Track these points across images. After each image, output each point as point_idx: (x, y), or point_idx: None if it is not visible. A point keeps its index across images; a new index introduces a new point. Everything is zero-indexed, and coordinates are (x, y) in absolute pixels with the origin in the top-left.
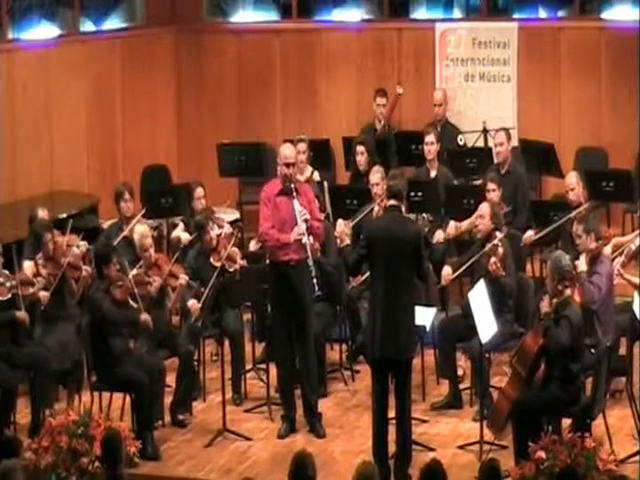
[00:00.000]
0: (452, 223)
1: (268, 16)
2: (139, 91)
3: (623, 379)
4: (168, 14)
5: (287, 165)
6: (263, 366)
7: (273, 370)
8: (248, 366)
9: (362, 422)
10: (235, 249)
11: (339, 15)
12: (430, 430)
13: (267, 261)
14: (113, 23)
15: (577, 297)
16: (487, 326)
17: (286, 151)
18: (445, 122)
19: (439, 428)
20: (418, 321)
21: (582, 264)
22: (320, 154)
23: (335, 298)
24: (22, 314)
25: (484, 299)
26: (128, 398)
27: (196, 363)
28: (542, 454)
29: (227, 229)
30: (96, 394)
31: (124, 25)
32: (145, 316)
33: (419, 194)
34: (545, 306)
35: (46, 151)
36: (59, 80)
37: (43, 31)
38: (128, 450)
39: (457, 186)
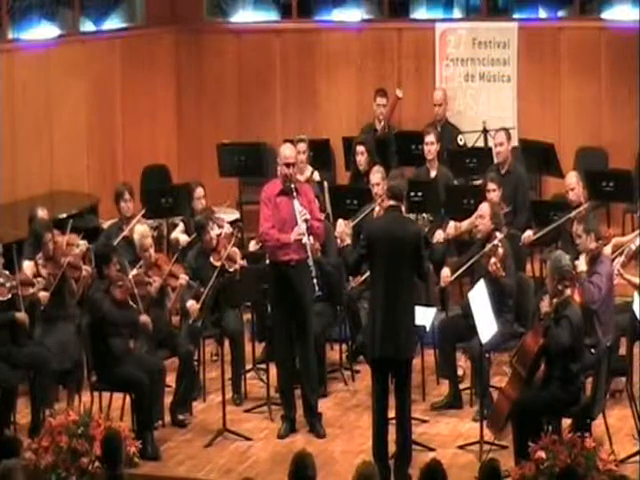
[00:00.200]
0: (451, 223)
1: (268, 16)
2: (139, 91)
3: (623, 379)
4: (168, 14)
5: (287, 165)
6: (263, 366)
7: (273, 370)
8: (248, 366)
9: (362, 422)
10: (235, 249)
11: (339, 15)
12: (430, 430)
13: (267, 261)
14: (113, 23)
15: (577, 297)
16: (487, 326)
17: (286, 151)
18: (445, 122)
19: (439, 428)
20: (418, 321)
21: (582, 264)
22: (320, 154)
23: (335, 298)
24: (22, 315)
25: (484, 299)
26: (128, 398)
27: (196, 363)
28: (542, 454)
29: (227, 229)
30: (96, 394)
31: (124, 25)
32: (145, 317)
33: (419, 194)
34: (545, 306)
35: (46, 151)
36: (59, 80)
37: (43, 31)
38: (128, 450)
39: (457, 186)
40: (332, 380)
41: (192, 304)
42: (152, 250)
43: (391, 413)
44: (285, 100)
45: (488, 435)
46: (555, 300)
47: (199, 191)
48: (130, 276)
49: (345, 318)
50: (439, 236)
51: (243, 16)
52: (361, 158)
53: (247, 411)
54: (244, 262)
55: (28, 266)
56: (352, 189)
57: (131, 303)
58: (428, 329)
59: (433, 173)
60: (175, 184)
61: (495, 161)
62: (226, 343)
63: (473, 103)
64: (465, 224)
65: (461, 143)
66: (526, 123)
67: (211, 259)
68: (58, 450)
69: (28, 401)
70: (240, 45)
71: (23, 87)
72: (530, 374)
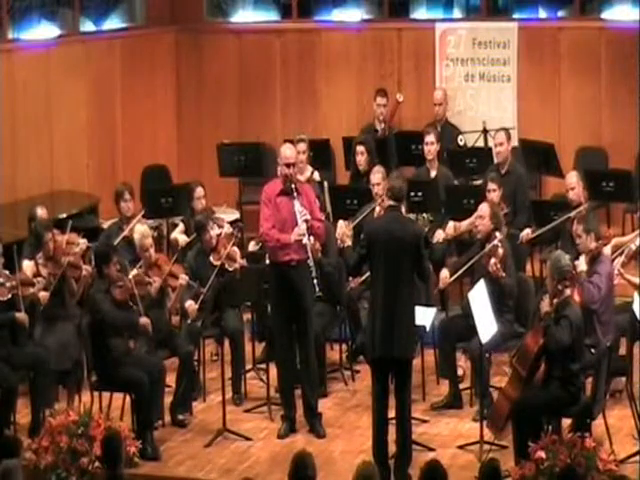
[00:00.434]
0: (450, 223)
1: (268, 16)
2: (139, 91)
3: (623, 379)
4: (168, 14)
5: (287, 165)
6: (263, 366)
7: (273, 370)
8: (248, 366)
9: (362, 422)
10: (235, 248)
11: (339, 15)
12: (430, 430)
13: (267, 261)
14: (113, 23)
15: (577, 297)
16: (487, 326)
17: (286, 151)
18: (445, 122)
19: (439, 428)
20: (418, 321)
21: (582, 264)
22: (320, 154)
23: (335, 298)
24: (22, 316)
25: (484, 299)
26: (128, 398)
27: (196, 363)
28: (542, 454)
29: (227, 229)
30: (96, 394)
31: (124, 25)
32: (144, 319)
33: (419, 194)
34: (545, 306)
35: (46, 151)
36: (59, 80)
37: (43, 31)
38: (128, 450)
39: (457, 186)
40: (332, 380)
41: (190, 304)
42: (152, 250)
43: (391, 413)
44: (285, 100)
45: (488, 435)
46: (555, 300)
47: (199, 191)
48: (130, 276)
49: (345, 318)
50: (439, 236)
51: (243, 16)
52: (361, 158)
53: (247, 411)
54: (244, 262)
55: (28, 266)
56: (352, 189)
57: (131, 303)
58: (428, 329)
59: (433, 173)
60: (175, 184)
61: (495, 161)
62: (226, 343)
63: (473, 103)
64: (464, 224)
65: (461, 143)
66: (526, 123)
67: (211, 259)
68: (58, 450)
69: (28, 401)
70: (240, 45)
71: (23, 87)
72: (530, 374)
